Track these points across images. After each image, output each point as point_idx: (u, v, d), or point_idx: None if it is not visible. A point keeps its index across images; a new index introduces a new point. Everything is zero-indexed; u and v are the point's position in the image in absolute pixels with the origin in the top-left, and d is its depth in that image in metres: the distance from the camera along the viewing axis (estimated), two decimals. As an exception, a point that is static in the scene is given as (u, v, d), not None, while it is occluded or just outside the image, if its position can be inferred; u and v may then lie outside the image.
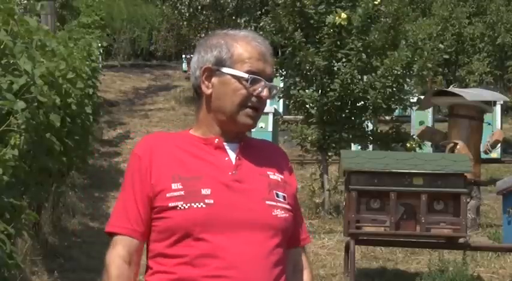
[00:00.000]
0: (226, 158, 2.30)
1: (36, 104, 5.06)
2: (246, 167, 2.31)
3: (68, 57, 7.26)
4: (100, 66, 12.78)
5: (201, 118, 2.36)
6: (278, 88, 2.39)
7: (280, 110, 14.85)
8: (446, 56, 11.45)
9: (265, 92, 2.30)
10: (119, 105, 18.34)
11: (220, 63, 2.30)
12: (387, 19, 9.94)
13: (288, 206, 2.32)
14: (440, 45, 10.66)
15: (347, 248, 6.88)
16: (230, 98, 2.29)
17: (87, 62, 9.57)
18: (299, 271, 2.41)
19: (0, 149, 4.19)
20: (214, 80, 2.31)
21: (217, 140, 2.32)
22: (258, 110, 2.32)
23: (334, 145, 10.09)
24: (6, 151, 4.20)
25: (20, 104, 4.46)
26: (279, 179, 2.35)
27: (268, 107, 13.72)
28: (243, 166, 2.31)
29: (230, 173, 2.28)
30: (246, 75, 2.28)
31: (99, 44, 12.80)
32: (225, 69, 2.30)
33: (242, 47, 2.30)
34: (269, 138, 12.80)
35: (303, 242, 2.43)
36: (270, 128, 13.24)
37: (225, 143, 2.32)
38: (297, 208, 2.41)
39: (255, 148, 2.38)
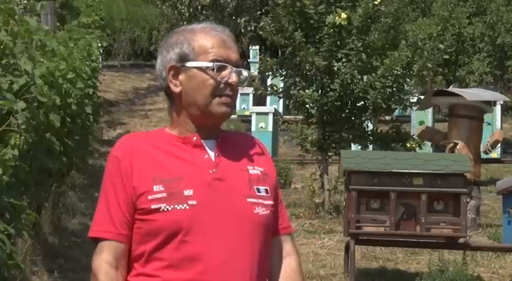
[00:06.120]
0: (206, 156, 2.28)
1: (36, 104, 5.05)
2: (226, 164, 2.29)
3: (68, 57, 7.26)
4: (100, 66, 12.78)
5: (175, 118, 2.33)
6: (248, 74, 2.37)
7: (280, 110, 14.85)
8: (446, 56, 11.45)
9: (233, 78, 2.27)
10: (119, 105, 18.34)
11: (183, 58, 2.28)
12: (387, 19, 9.94)
13: (269, 202, 2.31)
14: (440, 45, 10.67)
15: (347, 248, 6.88)
16: (200, 91, 2.27)
17: (87, 62, 9.57)
18: (282, 258, 2.39)
19: (0, 149, 4.19)
20: (181, 77, 2.29)
21: (195, 138, 2.29)
22: (230, 97, 2.29)
23: (334, 145, 10.09)
24: (6, 151, 4.20)
25: (20, 104, 4.46)
26: (259, 173, 2.33)
27: (268, 107, 13.75)
28: (222, 162, 2.28)
29: (211, 171, 2.26)
30: (210, 64, 2.26)
31: (99, 44, 12.81)
32: (189, 64, 2.28)
33: (202, 39, 2.29)
34: (269, 138, 12.81)
35: (284, 231, 2.40)
36: (270, 128, 13.24)
37: (202, 141, 2.30)
38: (278, 197, 2.39)
39: (232, 142, 2.36)
